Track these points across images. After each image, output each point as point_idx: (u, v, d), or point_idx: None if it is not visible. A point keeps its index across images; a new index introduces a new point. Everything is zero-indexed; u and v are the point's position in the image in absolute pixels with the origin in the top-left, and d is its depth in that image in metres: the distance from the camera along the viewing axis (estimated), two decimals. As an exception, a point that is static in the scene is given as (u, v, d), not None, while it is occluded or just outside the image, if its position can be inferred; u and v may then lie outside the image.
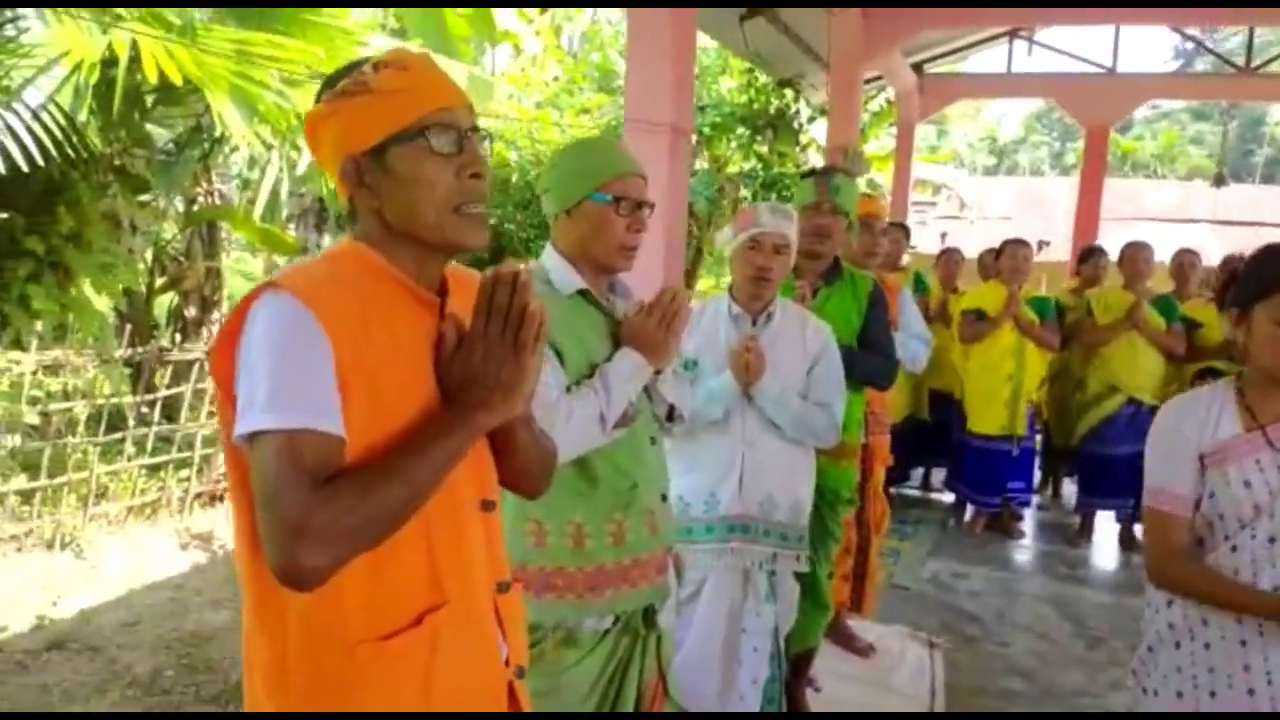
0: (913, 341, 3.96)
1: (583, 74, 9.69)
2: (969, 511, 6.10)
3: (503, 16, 8.21)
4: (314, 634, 1.22)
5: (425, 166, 1.25)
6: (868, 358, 3.14)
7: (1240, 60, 9.89)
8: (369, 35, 6.12)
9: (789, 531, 2.71)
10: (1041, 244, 10.75)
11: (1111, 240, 10.53)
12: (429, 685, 1.26)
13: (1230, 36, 18.33)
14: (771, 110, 8.81)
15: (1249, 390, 1.88)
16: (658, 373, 1.99)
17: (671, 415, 2.09)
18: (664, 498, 2.05)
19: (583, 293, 1.98)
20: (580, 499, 1.93)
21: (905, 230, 6.21)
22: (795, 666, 3.21)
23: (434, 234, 1.28)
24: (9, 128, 4.47)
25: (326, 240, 12.42)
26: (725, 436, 2.67)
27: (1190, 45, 15.07)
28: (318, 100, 1.30)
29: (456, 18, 7.74)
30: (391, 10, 7.80)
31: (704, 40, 9.25)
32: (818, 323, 2.80)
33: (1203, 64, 17.58)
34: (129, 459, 5.27)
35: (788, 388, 2.67)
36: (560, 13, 9.90)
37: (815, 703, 3.46)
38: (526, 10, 9.13)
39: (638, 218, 1.96)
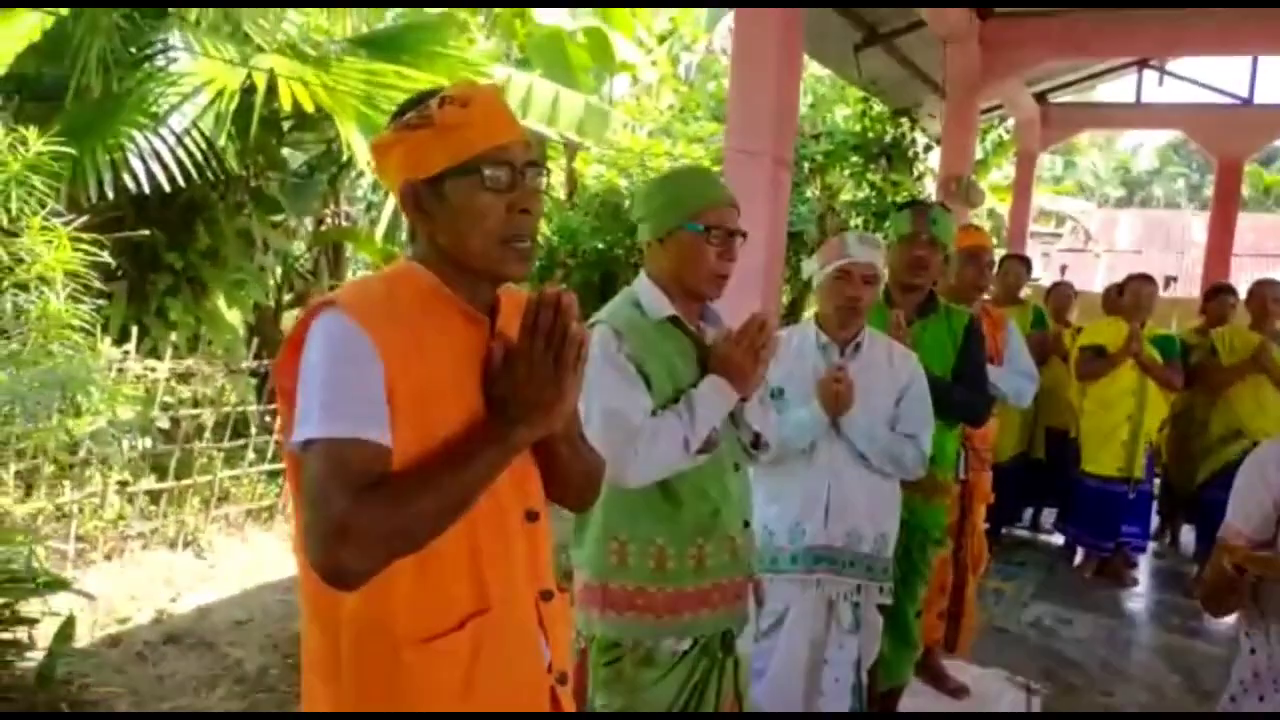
0: (1017, 377, 3.87)
1: (697, 102, 9.81)
2: (1079, 555, 5.88)
3: (622, 47, 8.39)
4: (363, 631, 1.29)
5: (478, 199, 1.33)
6: (960, 392, 3.10)
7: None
8: (492, 66, 6.34)
9: (874, 563, 2.70)
10: (1169, 280, 10.31)
11: (1247, 278, 10.06)
12: (470, 687, 1.32)
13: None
14: (886, 139, 8.73)
15: None
16: (744, 400, 2.03)
17: (757, 443, 2.11)
18: (746, 524, 2.08)
19: (672, 319, 2.03)
20: (663, 521, 1.97)
21: (1026, 262, 6.07)
22: (884, 703, 3.17)
23: (479, 262, 1.36)
24: (155, 151, 4.80)
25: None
26: (812, 467, 2.67)
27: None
28: (387, 127, 1.40)
29: (578, 48, 7.98)
30: (517, 40, 8.07)
31: (821, 70, 9.24)
32: (905, 353, 2.79)
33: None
34: (250, 465, 5.54)
35: (876, 419, 2.66)
36: (678, 43, 10.06)
37: (903, 741, 3.41)
38: (645, 41, 9.31)
39: (729, 247, 2.00)
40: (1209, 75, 9.61)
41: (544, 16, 7.91)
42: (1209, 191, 28.60)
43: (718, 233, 1.98)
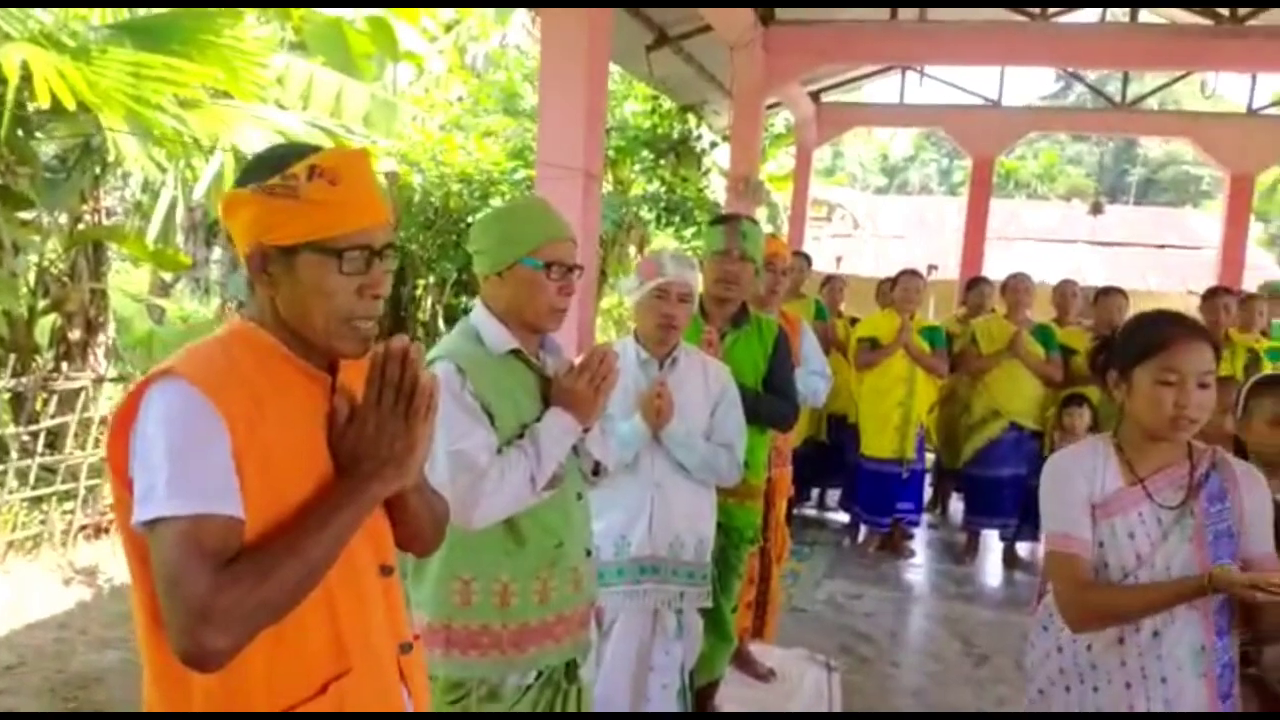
0: (813, 377, 4.10)
1: (487, 95, 9.69)
2: (863, 532, 6.32)
3: (405, 35, 8.13)
4: (217, 706, 1.24)
5: (330, 280, 1.30)
6: (772, 402, 3.26)
7: (1116, 95, 10.53)
8: (269, 55, 5.98)
9: (695, 570, 2.81)
10: (931, 268, 11.19)
11: (996, 258, 11.07)
12: None
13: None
14: (675, 135, 8.97)
15: (1127, 446, 2.02)
16: (586, 430, 2.05)
17: (597, 470, 2.15)
18: (589, 553, 2.11)
19: (514, 352, 2.03)
20: (508, 558, 1.97)
21: (807, 259, 6.43)
22: (701, 698, 3.30)
23: (319, 338, 1.33)
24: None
25: (216, 253, 12.07)
26: (635, 479, 2.75)
27: (1070, 74, 15.88)
28: (242, 180, 1.33)
29: (358, 35, 7.66)
30: (294, 26, 7.66)
31: (611, 66, 9.36)
32: (718, 366, 2.91)
33: (1081, 89, 18.52)
34: (10, 492, 5.04)
35: (693, 430, 2.76)
36: (465, 33, 9.87)
37: (720, 730, 3.56)
38: (430, 29, 9.08)
39: (569, 282, 2.02)
40: (963, 79, 10.46)
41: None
42: (957, 177, 31.39)
43: (558, 268, 2.00)
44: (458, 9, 9.53)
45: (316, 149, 1.33)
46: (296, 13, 7.33)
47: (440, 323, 8.75)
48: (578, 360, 2.13)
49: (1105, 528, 1.98)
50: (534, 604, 1.99)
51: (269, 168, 1.30)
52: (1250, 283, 10.02)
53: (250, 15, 6.77)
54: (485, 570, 1.97)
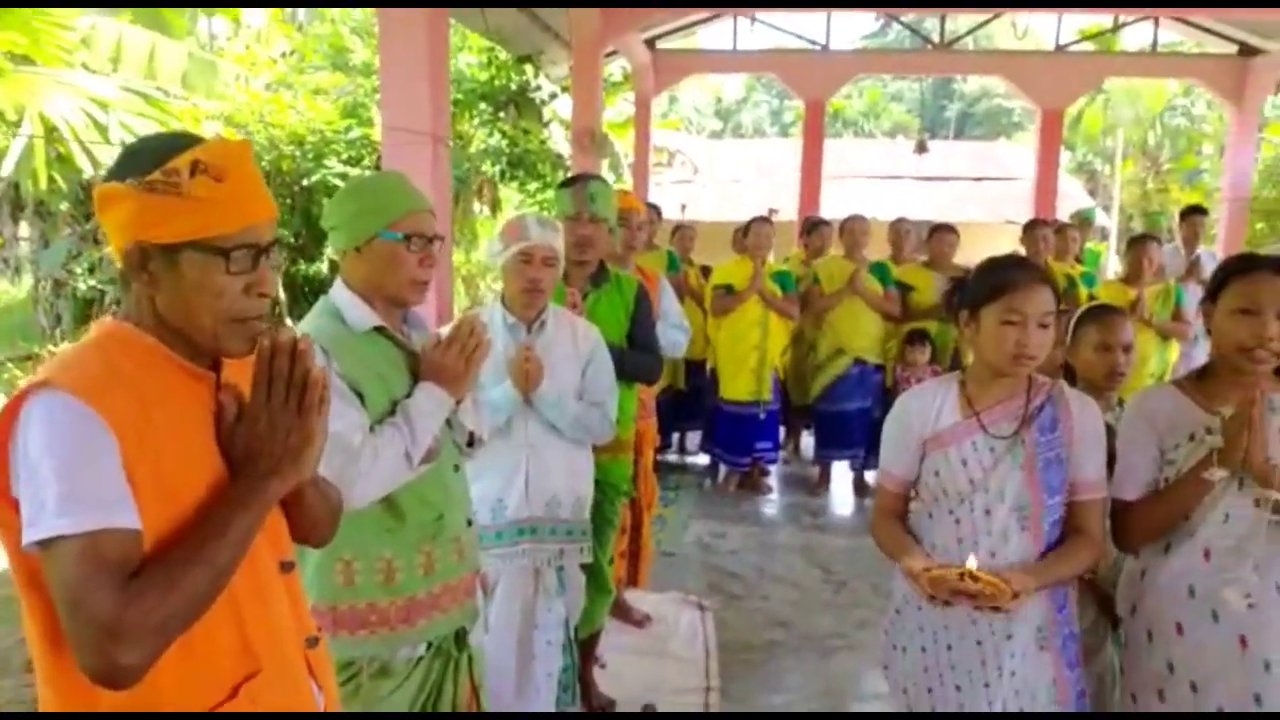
0: (673, 330, 4.18)
1: (313, 50, 9.25)
2: (722, 472, 6.54)
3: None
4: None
5: (216, 278, 1.26)
6: (636, 356, 3.32)
7: (934, 33, 11.00)
8: (75, 17, 5.53)
9: (574, 527, 2.86)
10: (772, 211, 11.49)
11: (830, 198, 11.46)
12: None
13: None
14: (513, 87, 8.83)
15: (970, 382, 2.20)
16: (458, 402, 2.05)
17: (472, 441, 2.15)
18: (470, 522, 2.12)
19: (379, 329, 1.99)
20: (389, 535, 1.96)
21: (657, 210, 6.51)
22: (584, 649, 3.38)
23: (204, 337, 1.29)
24: None
25: (24, 229, 11.13)
26: (508, 443, 2.76)
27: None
28: (117, 173, 1.26)
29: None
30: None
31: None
32: (587, 326, 2.94)
33: (901, 28, 19.22)
34: None
35: (565, 391, 2.79)
36: (285, -17, 9.36)
37: (601, 679, 3.65)
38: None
39: (429, 253, 2.00)
40: (792, 23, 10.69)
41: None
42: (788, 117, 32.18)
43: (418, 240, 1.97)
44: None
45: (197, 140, 1.28)
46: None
47: (279, 289, 8.42)
48: (444, 331, 2.12)
49: (940, 457, 2.16)
50: (419, 577, 1.99)
51: (148, 161, 1.24)
52: (1063, 211, 10.78)
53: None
54: (366, 549, 1.95)
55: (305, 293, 7.71)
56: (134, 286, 1.28)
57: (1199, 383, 2.17)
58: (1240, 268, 2.10)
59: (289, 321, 6.19)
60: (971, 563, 1.99)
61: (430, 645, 2.04)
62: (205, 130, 7.17)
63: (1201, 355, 5.51)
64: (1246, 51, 10.02)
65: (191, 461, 1.25)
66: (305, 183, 7.84)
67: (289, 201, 8.00)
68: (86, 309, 7.92)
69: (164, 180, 1.22)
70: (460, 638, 2.09)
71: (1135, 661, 2.21)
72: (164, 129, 6.91)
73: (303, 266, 8.36)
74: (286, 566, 1.41)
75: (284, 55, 9.18)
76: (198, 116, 7.07)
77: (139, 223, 1.24)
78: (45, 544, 1.12)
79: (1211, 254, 7.26)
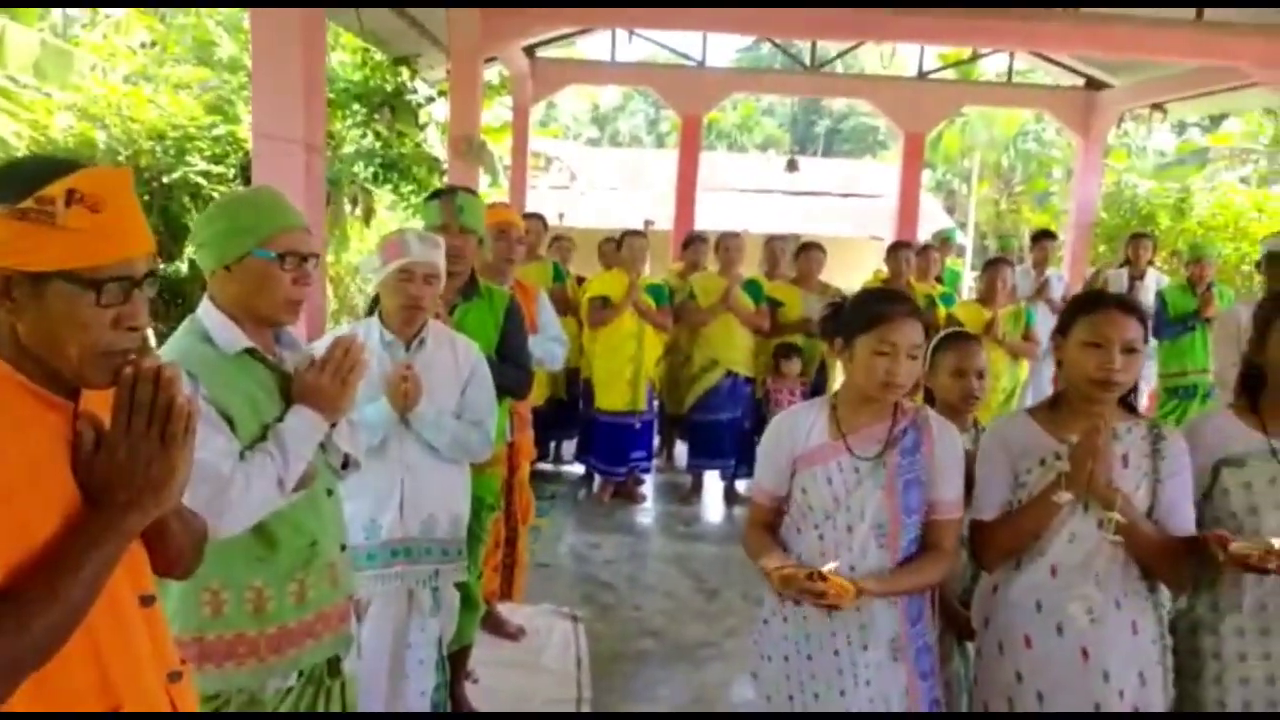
0: (550, 343, 4.20)
1: (176, 42, 8.84)
2: (597, 482, 6.58)
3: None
4: None
5: (84, 311, 1.22)
6: (505, 371, 3.30)
7: (804, 54, 11.34)
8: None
9: (449, 546, 2.84)
10: (648, 223, 11.63)
11: (705, 209, 11.64)
12: None
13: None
14: (389, 89, 8.67)
15: (841, 405, 2.31)
16: (333, 425, 2.02)
17: (347, 464, 2.12)
18: (343, 547, 2.09)
19: (249, 350, 1.94)
20: (259, 563, 1.91)
21: (542, 220, 6.53)
22: (454, 665, 3.35)
23: (67, 368, 1.25)
24: None
25: None
26: (383, 463, 2.71)
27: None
28: None
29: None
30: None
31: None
32: (467, 343, 2.92)
33: (771, 49, 19.74)
34: None
35: (443, 410, 2.77)
36: (145, -30, 8.92)
37: (473, 693, 3.63)
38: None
39: (304, 271, 1.95)
40: (670, 38, 10.85)
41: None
42: (664, 127, 32.57)
43: (292, 259, 1.93)
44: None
45: (74, 165, 1.22)
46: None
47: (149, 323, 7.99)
48: (318, 346, 2.08)
49: (808, 475, 2.26)
50: (291, 606, 1.95)
51: (20, 185, 1.18)
52: (924, 228, 11.29)
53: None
54: (236, 578, 1.90)
55: (163, 294, 7.38)
56: None
57: (1050, 412, 2.32)
58: (1088, 304, 2.26)
59: (150, 333, 5.93)
60: (830, 567, 2.08)
61: (302, 674, 2.00)
62: (57, 123, 6.79)
63: (1048, 371, 5.91)
64: (1094, 85, 10.70)
65: (44, 493, 1.20)
66: (165, 180, 7.50)
67: (147, 199, 7.63)
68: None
69: (37, 208, 1.17)
70: (333, 665, 2.06)
71: (987, 672, 2.35)
72: (14, 121, 6.51)
73: (161, 265, 8.00)
74: (147, 600, 1.37)
75: (144, 46, 8.73)
76: (50, 108, 6.67)
77: (6, 250, 1.18)
78: None
79: (1059, 275, 7.75)
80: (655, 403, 6.61)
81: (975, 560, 2.40)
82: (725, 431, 6.38)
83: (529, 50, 10.04)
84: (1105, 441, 2.08)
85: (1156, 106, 10.04)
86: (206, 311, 1.96)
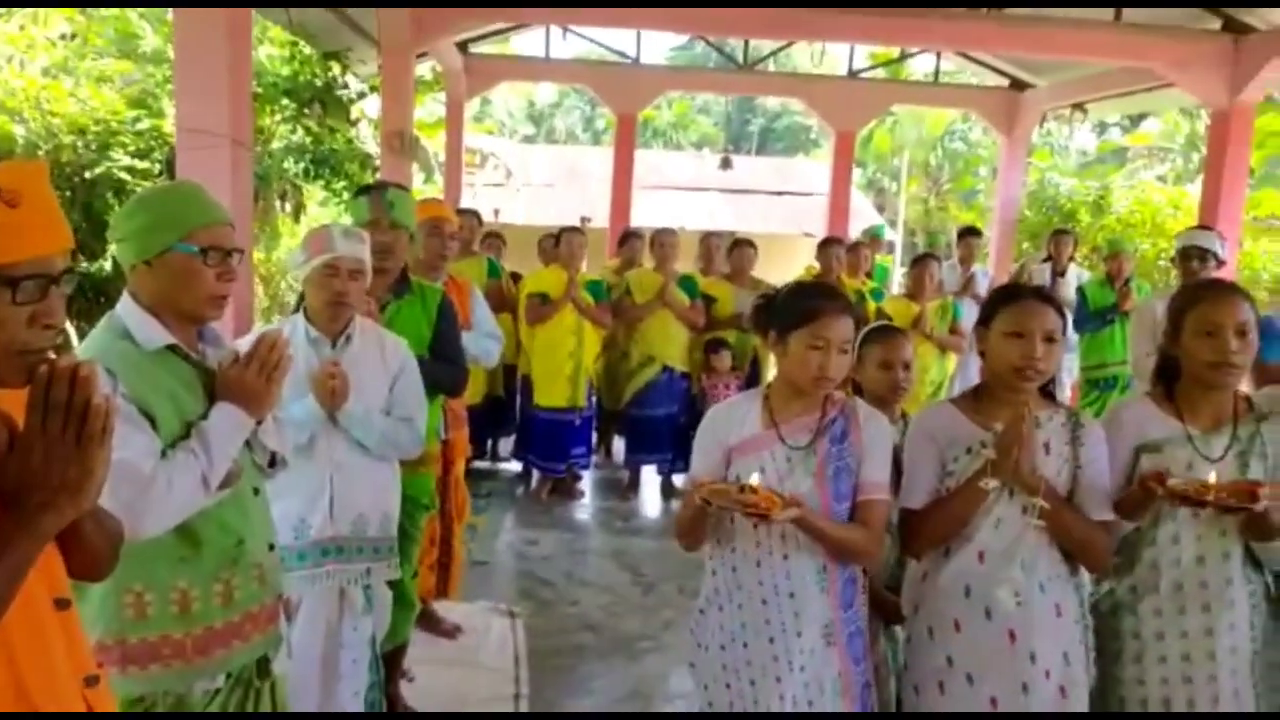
0: (485, 339, 4.17)
1: (98, 34, 8.58)
2: (535, 478, 6.57)
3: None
4: None
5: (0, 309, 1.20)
6: (438, 368, 3.27)
7: (738, 51, 11.42)
8: None
9: (380, 545, 2.81)
10: (585, 220, 11.61)
11: (641, 207, 11.69)
12: None
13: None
14: (319, 83, 8.53)
15: (774, 396, 2.35)
16: (259, 422, 1.99)
17: (274, 462, 2.09)
18: (271, 547, 2.06)
19: (170, 347, 1.91)
20: (183, 564, 1.88)
21: (477, 216, 6.49)
22: (389, 664, 3.33)
23: None
24: None
25: None
26: (311, 461, 2.68)
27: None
28: None
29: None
30: None
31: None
32: (395, 340, 2.89)
33: (705, 48, 19.86)
34: None
35: (371, 407, 2.74)
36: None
37: (409, 692, 3.61)
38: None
39: (227, 266, 1.92)
40: (604, 35, 10.84)
41: None
42: (600, 124, 32.58)
43: (215, 253, 1.89)
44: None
45: None
46: None
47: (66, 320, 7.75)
48: (242, 347, 2.05)
49: (742, 464, 2.29)
50: (217, 607, 1.92)
51: None
52: (855, 225, 11.45)
53: None
54: (159, 579, 1.86)
55: (86, 292, 7.17)
56: None
57: (975, 401, 2.39)
58: (1009, 296, 2.33)
59: (72, 332, 5.75)
60: (755, 479, 2.12)
61: (230, 675, 1.97)
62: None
63: (975, 364, 6.04)
64: (1017, 85, 10.96)
65: None
66: (88, 175, 7.29)
67: (69, 195, 7.40)
68: None
69: None
70: (262, 666, 2.03)
71: (917, 656, 2.40)
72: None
73: (81, 262, 7.77)
74: (62, 604, 1.34)
75: (64, 38, 8.45)
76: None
77: None
78: None
79: (985, 271, 7.93)
80: (594, 399, 6.62)
81: (905, 548, 2.45)
82: (662, 426, 6.43)
83: (462, 46, 9.95)
84: (1029, 429, 2.15)
85: (1078, 106, 10.32)
86: (126, 308, 1.92)
